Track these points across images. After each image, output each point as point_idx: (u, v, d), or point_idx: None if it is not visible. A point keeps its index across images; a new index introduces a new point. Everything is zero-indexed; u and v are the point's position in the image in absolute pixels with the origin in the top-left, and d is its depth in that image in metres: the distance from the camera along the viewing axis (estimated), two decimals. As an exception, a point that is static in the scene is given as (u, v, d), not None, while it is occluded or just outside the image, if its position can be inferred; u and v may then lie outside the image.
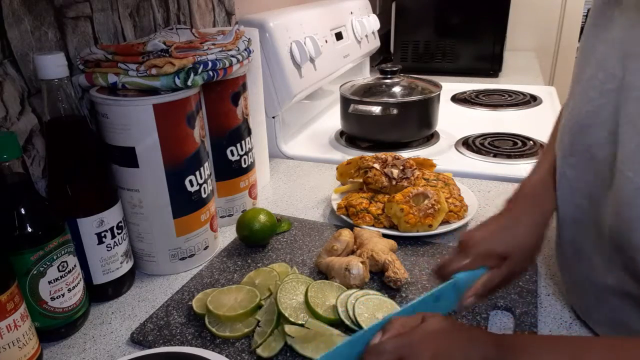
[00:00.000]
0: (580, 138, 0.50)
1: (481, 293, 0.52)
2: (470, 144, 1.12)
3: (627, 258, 0.44)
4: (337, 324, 0.56)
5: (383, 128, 1.12)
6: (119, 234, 0.64)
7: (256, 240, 0.74)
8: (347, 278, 0.62)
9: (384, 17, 1.85)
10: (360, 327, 0.54)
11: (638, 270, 0.43)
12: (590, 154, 0.49)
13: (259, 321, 0.57)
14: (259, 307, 0.59)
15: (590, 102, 0.49)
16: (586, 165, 0.49)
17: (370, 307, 0.56)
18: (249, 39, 0.78)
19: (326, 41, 1.25)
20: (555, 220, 0.59)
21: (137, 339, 0.58)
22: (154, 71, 0.62)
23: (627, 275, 0.45)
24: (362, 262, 0.63)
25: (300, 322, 0.55)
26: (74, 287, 0.58)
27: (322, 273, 0.67)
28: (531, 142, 1.11)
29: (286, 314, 0.55)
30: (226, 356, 0.53)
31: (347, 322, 0.55)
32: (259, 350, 0.53)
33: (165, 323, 0.60)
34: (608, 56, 0.47)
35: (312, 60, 1.15)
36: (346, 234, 0.69)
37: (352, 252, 0.69)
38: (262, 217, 0.74)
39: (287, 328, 0.54)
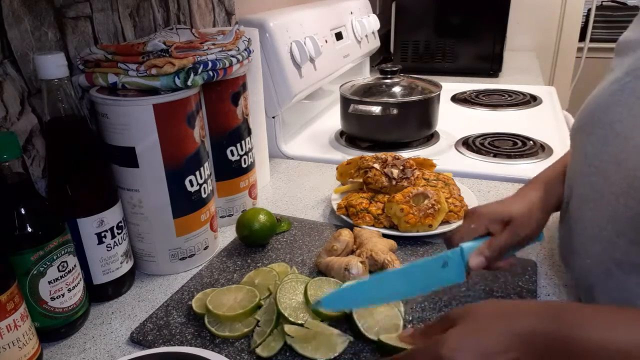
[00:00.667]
0: (603, 114, 0.51)
1: (487, 254, 0.55)
2: (470, 144, 1.12)
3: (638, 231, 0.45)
4: (339, 320, 0.57)
5: (383, 128, 1.12)
6: (119, 234, 0.64)
7: (256, 240, 0.75)
8: (347, 278, 0.62)
9: (384, 17, 1.85)
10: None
11: None
12: (610, 130, 0.50)
13: (258, 321, 0.58)
14: (258, 307, 0.59)
15: (616, 82, 0.50)
16: (605, 141, 0.50)
17: None
18: (249, 39, 0.78)
19: (326, 41, 1.25)
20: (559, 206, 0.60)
21: (137, 339, 0.58)
22: (154, 71, 0.62)
23: (634, 246, 0.46)
24: (362, 262, 0.63)
25: (299, 321, 0.55)
26: (74, 287, 0.58)
27: (321, 273, 0.67)
28: (531, 142, 1.11)
29: (286, 314, 0.56)
30: (226, 356, 0.53)
31: None
32: (258, 350, 0.53)
33: (165, 323, 0.60)
34: None
35: (312, 60, 1.15)
36: (346, 234, 0.69)
37: (352, 252, 0.69)
38: (262, 217, 0.74)
39: (287, 328, 0.54)
